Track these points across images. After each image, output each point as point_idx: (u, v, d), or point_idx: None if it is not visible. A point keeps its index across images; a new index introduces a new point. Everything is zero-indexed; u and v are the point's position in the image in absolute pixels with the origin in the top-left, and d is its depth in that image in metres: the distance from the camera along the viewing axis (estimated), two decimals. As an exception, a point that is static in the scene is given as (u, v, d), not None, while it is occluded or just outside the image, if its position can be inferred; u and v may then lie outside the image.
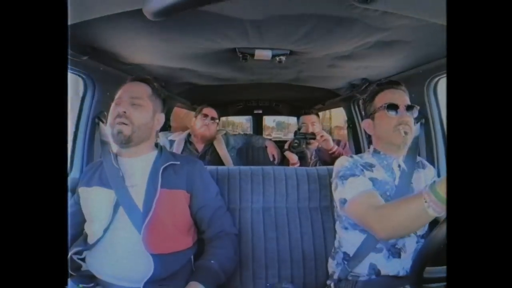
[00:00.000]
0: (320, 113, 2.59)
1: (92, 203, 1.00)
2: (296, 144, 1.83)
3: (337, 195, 1.01)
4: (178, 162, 1.03)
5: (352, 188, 0.96)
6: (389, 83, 1.07)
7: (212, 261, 0.95)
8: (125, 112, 0.97)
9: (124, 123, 0.97)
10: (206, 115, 1.99)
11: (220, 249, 1.01)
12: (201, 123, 1.99)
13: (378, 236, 0.88)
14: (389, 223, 0.83)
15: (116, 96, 1.02)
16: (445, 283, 0.68)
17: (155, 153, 1.05)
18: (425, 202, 0.73)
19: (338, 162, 1.07)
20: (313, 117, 2.14)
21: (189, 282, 0.91)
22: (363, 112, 1.16)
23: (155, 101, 1.04)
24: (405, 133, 0.99)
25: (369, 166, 1.03)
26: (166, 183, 0.97)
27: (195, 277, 0.91)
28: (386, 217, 0.84)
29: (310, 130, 2.05)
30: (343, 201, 0.97)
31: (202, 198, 1.03)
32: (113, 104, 1.01)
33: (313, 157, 1.99)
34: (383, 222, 0.85)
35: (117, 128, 0.97)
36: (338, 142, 2.09)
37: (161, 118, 1.07)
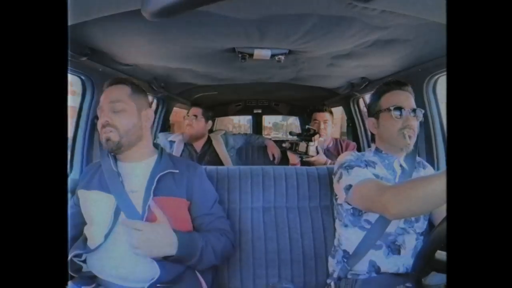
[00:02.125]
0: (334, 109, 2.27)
1: (92, 207, 0.99)
2: (288, 146, 1.79)
3: (341, 184, 1.00)
4: (177, 171, 1.00)
5: (358, 175, 0.96)
6: (397, 83, 1.05)
7: (201, 241, 0.93)
8: (108, 121, 0.96)
9: (110, 131, 0.96)
10: (188, 117, 2.04)
11: (214, 238, 0.98)
12: (186, 124, 2.04)
13: (390, 213, 0.85)
14: (404, 200, 0.80)
15: (99, 105, 1.00)
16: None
17: (154, 158, 1.03)
18: None
19: (341, 157, 1.07)
20: (326, 115, 2.01)
21: (191, 283, 0.90)
22: (367, 110, 1.14)
23: (137, 100, 1.01)
24: (409, 137, 0.99)
25: (371, 163, 1.04)
26: (165, 191, 0.96)
27: (178, 234, 0.89)
28: (402, 194, 0.81)
29: (322, 127, 1.96)
30: (348, 187, 0.96)
31: (201, 206, 1.02)
32: (98, 112, 1.00)
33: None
34: (398, 199, 0.81)
35: (105, 136, 0.97)
36: (347, 145, 2.05)
37: (149, 113, 1.04)
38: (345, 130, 2.71)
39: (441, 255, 0.71)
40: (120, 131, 0.96)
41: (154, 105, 2.53)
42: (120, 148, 0.98)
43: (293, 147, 1.78)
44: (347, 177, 0.98)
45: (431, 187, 0.74)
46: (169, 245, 0.87)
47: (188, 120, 2.03)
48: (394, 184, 0.90)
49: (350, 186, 0.96)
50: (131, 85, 1.02)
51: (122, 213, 0.93)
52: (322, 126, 1.98)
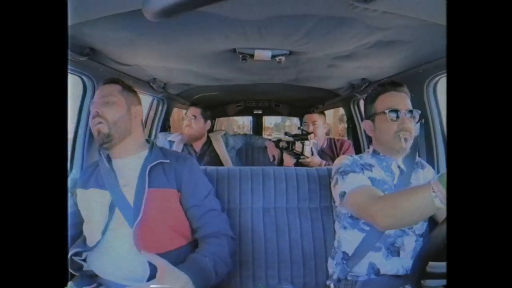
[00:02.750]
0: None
1: (89, 205, 1.00)
2: (285, 146, 1.83)
3: (336, 190, 1.00)
4: (168, 161, 1.02)
5: (352, 182, 0.96)
6: (392, 84, 1.04)
7: (207, 258, 0.91)
8: (97, 112, 0.99)
9: (100, 122, 0.99)
10: (187, 117, 2.04)
11: (216, 248, 0.96)
12: (184, 124, 2.03)
13: (379, 226, 0.86)
14: (392, 212, 0.80)
15: (92, 101, 1.05)
16: (445, 280, 0.68)
17: (146, 152, 1.05)
18: (433, 192, 0.70)
19: (338, 160, 1.07)
20: (314, 116, 2.06)
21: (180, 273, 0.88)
22: (363, 112, 1.14)
23: (127, 96, 1.05)
24: (405, 139, 0.98)
25: (369, 166, 1.03)
26: (156, 182, 0.96)
27: (186, 270, 0.85)
28: (389, 206, 0.81)
29: (311, 129, 2.00)
30: (342, 194, 0.97)
31: (192, 197, 1.01)
32: (91, 107, 1.04)
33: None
34: (385, 211, 0.82)
35: (95, 129, 1.00)
36: (341, 143, 2.06)
37: (138, 110, 1.07)
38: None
39: (431, 267, 0.71)
40: (108, 122, 0.99)
41: (154, 105, 2.54)
42: (111, 141, 1.00)
43: (290, 146, 1.81)
44: (342, 183, 0.98)
45: (418, 197, 0.74)
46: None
47: (187, 120, 2.02)
48: (384, 195, 0.90)
49: (344, 193, 0.96)
50: (122, 83, 1.06)
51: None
52: (311, 127, 2.01)
